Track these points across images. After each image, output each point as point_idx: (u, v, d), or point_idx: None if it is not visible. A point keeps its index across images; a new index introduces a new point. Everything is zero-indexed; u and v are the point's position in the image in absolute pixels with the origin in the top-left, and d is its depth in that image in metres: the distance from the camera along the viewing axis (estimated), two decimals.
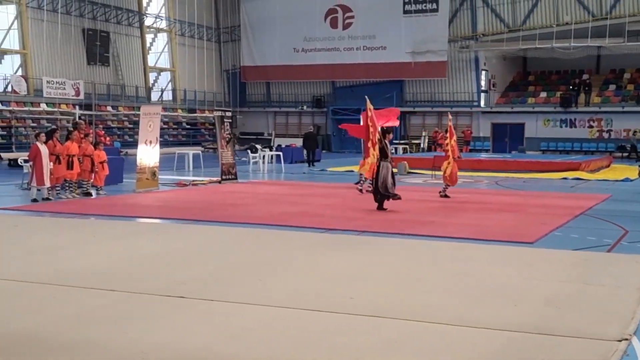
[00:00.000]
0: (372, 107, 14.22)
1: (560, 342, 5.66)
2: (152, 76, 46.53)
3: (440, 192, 17.04)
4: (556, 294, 7.30)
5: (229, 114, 22.93)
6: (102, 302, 6.89)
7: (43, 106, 35.93)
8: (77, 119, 31.37)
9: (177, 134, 45.31)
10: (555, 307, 6.72)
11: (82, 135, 17.13)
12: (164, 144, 27.20)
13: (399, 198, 14.15)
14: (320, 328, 6.12)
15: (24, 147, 33.49)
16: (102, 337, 5.75)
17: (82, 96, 37.92)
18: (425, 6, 43.93)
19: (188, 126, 46.57)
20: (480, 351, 5.45)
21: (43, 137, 15.90)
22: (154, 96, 46.26)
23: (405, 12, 44.40)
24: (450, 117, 18.11)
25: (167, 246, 10.13)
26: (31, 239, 10.63)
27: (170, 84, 47.90)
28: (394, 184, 14.29)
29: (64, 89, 36.81)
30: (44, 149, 15.61)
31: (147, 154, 18.49)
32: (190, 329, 6.01)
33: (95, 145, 17.21)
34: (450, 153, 16.72)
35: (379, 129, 14.23)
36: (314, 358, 5.33)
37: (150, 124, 18.62)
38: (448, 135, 17.02)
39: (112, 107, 40.96)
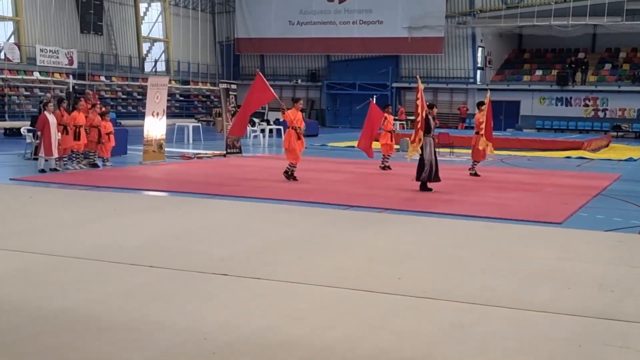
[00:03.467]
0: (422, 86, 13.84)
1: (632, 329, 5.53)
2: (145, 46, 45.83)
3: (469, 169, 16.92)
4: (605, 277, 7.17)
5: (234, 87, 22.58)
6: (146, 279, 6.69)
7: (36, 75, 35.31)
8: (70, 89, 30.78)
9: (170, 105, 44.64)
10: (611, 291, 6.59)
11: (89, 106, 16.78)
12: None
13: (439, 180, 13.79)
14: (378, 309, 5.95)
15: (16, 116, 32.98)
16: (161, 316, 5.55)
17: (75, 65, 37.31)
18: None
19: (181, 98, 46.02)
20: (551, 337, 5.31)
21: (51, 106, 15.55)
22: (147, 67, 45.64)
23: None
24: (489, 94, 17.70)
25: (193, 221, 9.92)
26: (52, 212, 10.40)
27: (163, 54, 47.26)
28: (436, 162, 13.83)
29: (57, 57, 36.19)
30: (52, 119, 15.26)
31: (154, 126, 18.19)
32: (245, 309, 5.82)
33: (102, 115, 16.86)
34: (482, 128, 16.50)
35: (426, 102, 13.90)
36: (382, 342, 5.16)
37: (157, 96, 18.30)
38: (485, 110, 16.61)
39: (106, 77, 40.36)
